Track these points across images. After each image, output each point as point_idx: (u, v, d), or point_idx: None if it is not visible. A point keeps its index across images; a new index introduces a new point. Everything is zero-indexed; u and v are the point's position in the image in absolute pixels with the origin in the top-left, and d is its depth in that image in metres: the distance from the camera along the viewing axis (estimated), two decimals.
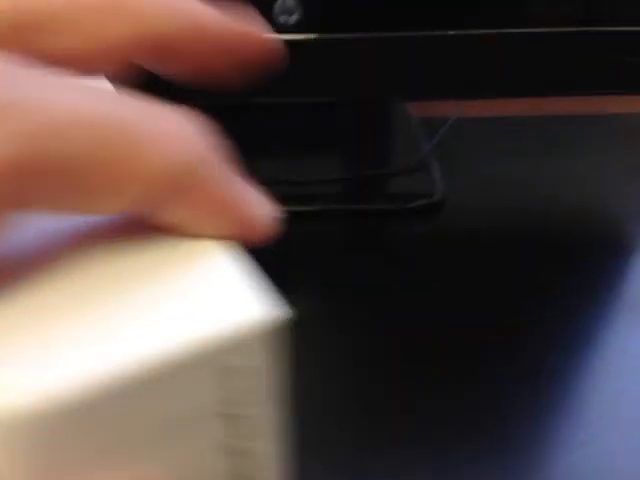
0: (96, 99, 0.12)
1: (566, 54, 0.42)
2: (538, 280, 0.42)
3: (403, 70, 0.42)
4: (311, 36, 0.40)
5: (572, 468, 0.31)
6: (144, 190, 0.12)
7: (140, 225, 0.13)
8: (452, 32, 0.41)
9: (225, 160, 0.13)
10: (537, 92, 0.47)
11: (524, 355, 0.37)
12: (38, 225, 0.12)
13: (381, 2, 0.40)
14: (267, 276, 0.45)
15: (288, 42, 0.40)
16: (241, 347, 0.11)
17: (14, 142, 0.10)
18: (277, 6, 0.39)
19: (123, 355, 0.11)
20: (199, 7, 0.15)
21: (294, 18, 0.39)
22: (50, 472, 0.11)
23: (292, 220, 0.46)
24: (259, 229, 0.14)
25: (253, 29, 0.17)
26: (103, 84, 0.15)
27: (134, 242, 0.13)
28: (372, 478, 0.31)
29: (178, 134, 0.12)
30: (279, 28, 0.39)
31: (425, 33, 0.40)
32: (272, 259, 0.44)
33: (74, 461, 0.11)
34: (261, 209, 0.14)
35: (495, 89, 0.45)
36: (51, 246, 0.12)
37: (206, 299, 0.12)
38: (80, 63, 0.14)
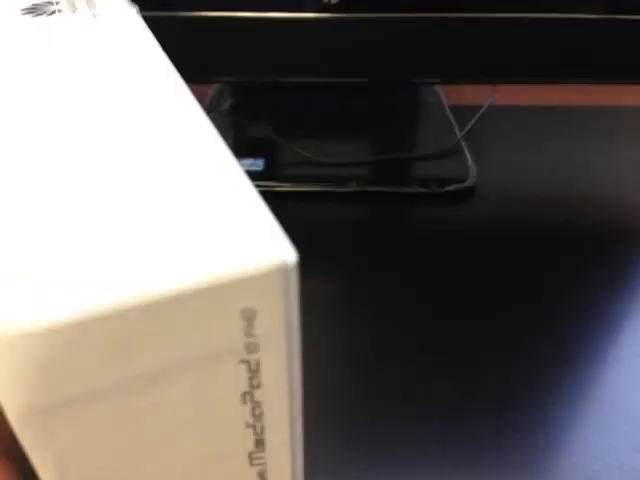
0: None
1: (595, 41, 0.42)
2: (566, 267, 0.42)
3: (441, 52, 0.42)
4: (353, 16, 0.40)
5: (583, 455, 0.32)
6: None
7: None
8: (484, 15, 0.41)
9: None
10: (564, 77, 0.46)
11: (547, 339, 0.37)
12: None
13: None
14: (299, 254, 0.46)
15: (330, 21, 0.41)
16: (259, 287, 0.11)
17: None
18: None
19: (144, 279, 0.11)
20: None
21: None
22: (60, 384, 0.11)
23: (325, 200, 0.47)
24: None
25: None
26: None
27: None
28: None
29: None
30: (322, 7, 0.39)
31: (460, 15, 0.41)
32: (304, 238, 0.45)
33: (84, 379, 0.11)
34: None
35: (525, 74, 0.45)
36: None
37: (227, 235, 0.11)
38: None
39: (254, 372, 0.12)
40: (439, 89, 0.57)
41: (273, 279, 0.11)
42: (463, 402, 0.34)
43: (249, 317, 0.11)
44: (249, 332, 0.11)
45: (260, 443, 0.13)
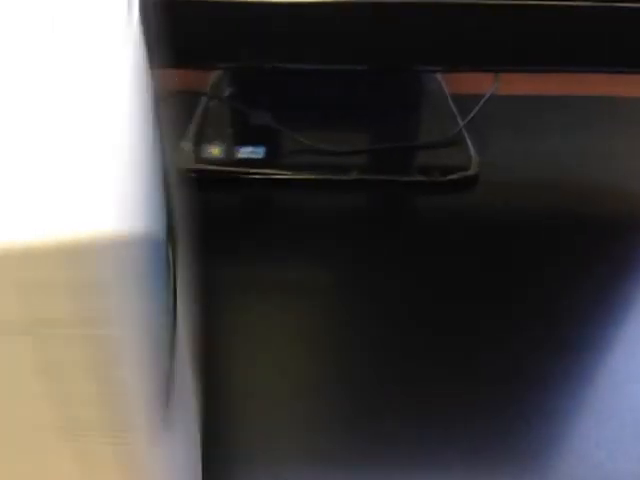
0: None
1: (599, 30, 0.42)
2: (568, 255, 0.42)
3: (443, 40, 0.42)
4: (353, 0, 0.40)
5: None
6: None
7: None
8: (487, 2, 0.40)
9: None
10: (567, 66, 0.46)
11: (550, 327, 0.37)
12: None
13: None
14: (300, 242, 0.45)
15: (330, 6, 0.40)
16: (53, 259, 0.10)
17: None
18: None
19: None
20: None
21: None
22: None
23: (326, 189, 0.46)
24: None
25: None
26: None
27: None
28: None
29: None
30: None
31: (463, 2, 0.40)
32: (305, 227, 0.45)
33: None
34: None
35: (528, 63, 0.44)
36: None
37: (59, 203, 0.10)
38: None
39: (48, 348, 0.11)
40: (441, 77, 0.56)
41: (100, 252, 0.10)
42: (465, 392, 0.34)
43: (42, 293, 0.10)
44: (43, 308, 0.10)
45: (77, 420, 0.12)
